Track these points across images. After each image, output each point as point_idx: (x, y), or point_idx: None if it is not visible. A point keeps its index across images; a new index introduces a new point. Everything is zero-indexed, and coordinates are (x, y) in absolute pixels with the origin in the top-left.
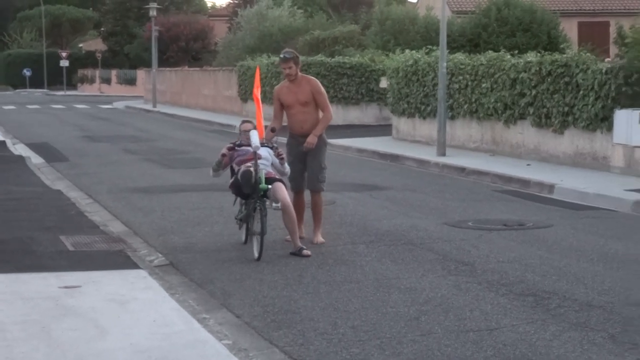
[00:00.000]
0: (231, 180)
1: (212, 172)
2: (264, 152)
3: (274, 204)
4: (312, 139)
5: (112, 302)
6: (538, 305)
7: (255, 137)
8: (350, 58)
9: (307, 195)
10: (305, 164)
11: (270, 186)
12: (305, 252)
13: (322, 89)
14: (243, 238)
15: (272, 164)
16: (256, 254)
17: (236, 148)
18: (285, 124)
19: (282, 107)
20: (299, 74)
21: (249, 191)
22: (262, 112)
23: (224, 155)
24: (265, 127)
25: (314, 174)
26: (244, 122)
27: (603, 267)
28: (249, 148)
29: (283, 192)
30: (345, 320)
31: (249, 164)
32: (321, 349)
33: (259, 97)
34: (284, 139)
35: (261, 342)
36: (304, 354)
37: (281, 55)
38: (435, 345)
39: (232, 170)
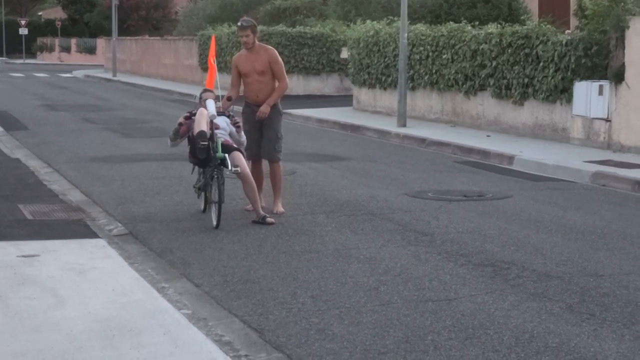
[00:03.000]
0: (189, 148)
1: (170, 142)
2: (221, 121)
3: (232, 168)
4: (265, 109)
5: (71, 271)
6: (497, 275)
7: (211, 106)
8: (312, 28)
9: (266, 165)
10: (261, 133)
11: (226, 155)
12: (269, 219)
13: (279, 59)
14: (202, 207)
15: (230, 133)
16: (215, 222)
17: (193, 118)
18: (242, 93)
19: (239, 76)
20: (257, 43)
21: (203, 155)
22: (216, 80)
23: (180, 124)
24: (222, 96)
25: (270, 144)
26: (204, 91)
27: (561, 238)
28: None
29: (242, 161)
30: (304, 290)
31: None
32: (280, 318)
33: (214, 64)
34: (237, 108)
35: (220, 311)
36: (264, 323)
37: (239, 24)
38: (394, 315)
39: (190, 139)
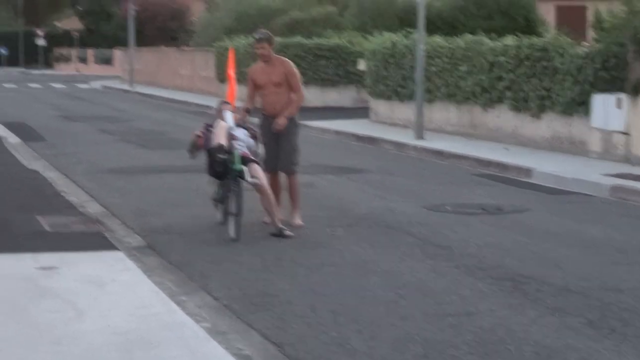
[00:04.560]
0: (207, 161)
1: (189, 154)
2: (240, 133)
3: (250, 179)
4: (281, 121)
5: (90, 283)
6: (516, 289)
7: (229, 118)
8: (328, 40)
9: (283, 178)
10: (278, 145)
11: (245, 167)
12: (287, 232)
13: (296, 71)
14: (220, 219)
15: (247, 145)
16: (233, 235)
17: (211, 130)
18: (259, 105)
19: (255, 88)
20: (273, 55)
21: (221, 168)
22: (235, 93)
23: (198, 136)
24: (239, 108)
25: (286, 156)
26: (222, 103)
27: (580, 252)
28: None
29: (260, 173)
30: (323, 304)
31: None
32: (300, 332)
33: (234, 76)
34: (254, 120)
35: (240, 324)
36: (283, 337)
37: (255, 36)
38: (414, 329)
39: (208, 152)
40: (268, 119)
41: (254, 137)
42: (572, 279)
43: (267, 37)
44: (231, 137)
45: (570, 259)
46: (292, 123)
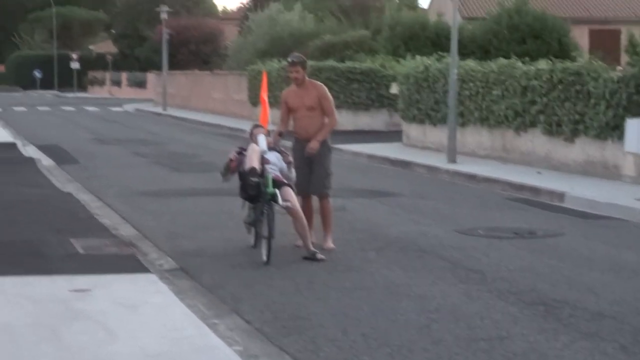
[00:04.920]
0: (240, 183)
1: (222, 177)
2: (272, 156)
3: (283, 203)
4: (314, 145)
5: (122, 306)
6: (549, 314)
7: (262, 142)
8: (361, 63)
9: (315, 201)
10: (311, 169)
11: (277, 190)
12: (319, 255)
13: (329, 95)
14: (252, 242)
15: (280, 169)
16: (265, 258)
17: (244, 153)
18: (291, 128)
19: (288, 111)
20: (306, 78)
21: (254, 191)
22: (268, 116)
23: (231, 160)
24: (271, 131)
25: (319, 180)
26: (255, 126)
27: (614, 277)
28: None
29: (292, 196)
30: (355, 327)
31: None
32: (331, 356)
33: (267, 100)
34: (287, 143)
35: (272, 348)
36: None
37: (289, 59)
38: (446, 353)
39: (241, 175)
40: (301, 142)
41: (287, 160)
42: (606, 303)
43: (301, 61)
44: (264, 160)
45: (603, 283)
46: (325, 146)
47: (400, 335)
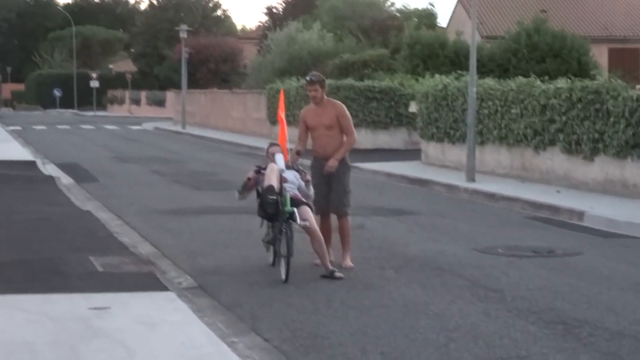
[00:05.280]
0: (258, 202)
1: (238, 195)
2: (290, 175)
3: (301, 222)
4: (332, 163)
5: (141, 324)
6: (568, 333)
7: (281, 160)
8: (380, 82)
9: (334, 219)
10: (329, 187)
11: (295, 209)
12: (337, 274)
13: (347, 113)
14: (271, 260)
15: (298, 187)
16: (283, 277)
17: (262, 172)
18: (310, 147)
19: (306, 130)
20: (325, 97)
21: (272, 209)
22: (286, 135)
23: (249, 179)
24: (289, 149)
25: (338, 198)
26: (271, 145)
27: (634, 296)
28: None
29: (310, 215)
30: (374, 346)
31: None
32: None
33: (284, 118)
34: (306, 162)
35: None
36: None
37: (307, 78)
38: None
39: (258, 193)
40: (319, 161)
41: (305, 179)
42: (626, 323)
43: (319, 80)
44: (282, 179)
45: (623, 302)
46: (344, 165)
47: (419, 354)
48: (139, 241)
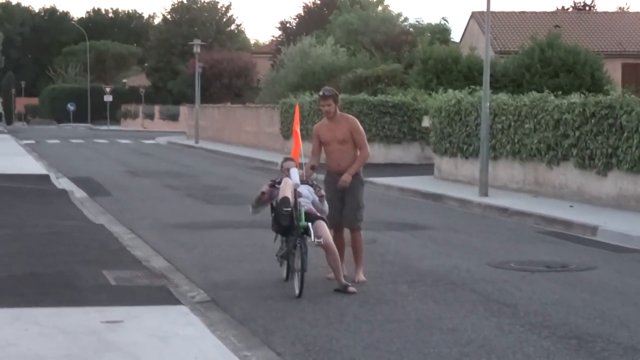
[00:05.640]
0: (272, 216)
1: (252, 209)
2: (304, 189)
3: (315, 240)
4: (346, 178)
5: (154, 337)
6: (582, 348)
7: (295, 175)
8: (393, 97)
9: (347, 234)
10: (343, 202)
11: (309, 223)
12: (351, 288)
13: (361, 128)
14: (284, 275)
15: (312, 202)
16: (297, 291)
17: (276, 186)
18: (323, 161)
19: (320, 145)
20: (338, 112)
21: (287, 222)
22: (300, 149)
23: (263, 193)
24: (303, 164)
25: (351, 213)
26: (285, 159)
27: None
28: None
29: (325, 230)
30: None
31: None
32: None
33: (299, 133)
34: (319, 176)
35: None
36: None
37: (320, 93)
38: None
39: (272, 207)
40: (333, 175)
41: (319, 194)
42: (639, 338)
43: (332, 94)
44: (296, 194)
45: (637, 317)
46: (358, 180)
47: None
48: (152, 255)
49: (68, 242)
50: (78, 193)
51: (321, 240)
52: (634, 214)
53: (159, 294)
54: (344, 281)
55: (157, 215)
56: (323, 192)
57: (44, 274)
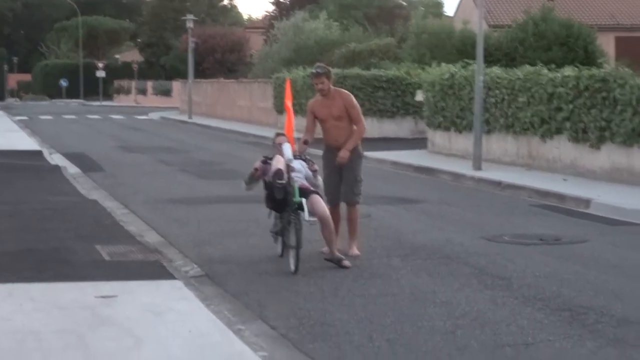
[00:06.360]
0: (265, 193)
1: (245, 186)
2: (297, 164)
3: (309, 218)
4: (344, 154)
5: (148, 312)
6: (575, 320)
7: (288, 150)
8: (386, 71)
9: (342, 208)
10: (341, 177)
11: (303, 199)
12: (345, 263)
13: (355, 103)
14: (279, 251)
15: (306, 176)
16: (292, 267)
17: (269, 162)
18: (320, 136)
19: (314, 121)
20: (332, 88)
21: (281, 195)
22: (293, 124)
23: (256, 169)
24: (297, 139)
25: (349, 187)
26: (277, 135)
27: None
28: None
29: (321, 204)
30: (380, 334)
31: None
32: None
33: (291, 107)
34: (317, 151)
35: (297, 354)
36: None
37: (313, 71)
38: (471, 359)
39: (265, 184)
40: (331, 150)
41: (312, 168)
42: (632, 309)
43: (325, 72)
44: (289, 169)
45: (630, 289)
46: (356, 153)
47: (426, 342)
48: (146, 230)
49: (61, 218)
50: (71, 169)
51: (315, 219)
52: (627, 187)
53: (153, 269)
54: (338, 254)
55: (151, 190)
56: (316, 167)
57: (37, 249)
